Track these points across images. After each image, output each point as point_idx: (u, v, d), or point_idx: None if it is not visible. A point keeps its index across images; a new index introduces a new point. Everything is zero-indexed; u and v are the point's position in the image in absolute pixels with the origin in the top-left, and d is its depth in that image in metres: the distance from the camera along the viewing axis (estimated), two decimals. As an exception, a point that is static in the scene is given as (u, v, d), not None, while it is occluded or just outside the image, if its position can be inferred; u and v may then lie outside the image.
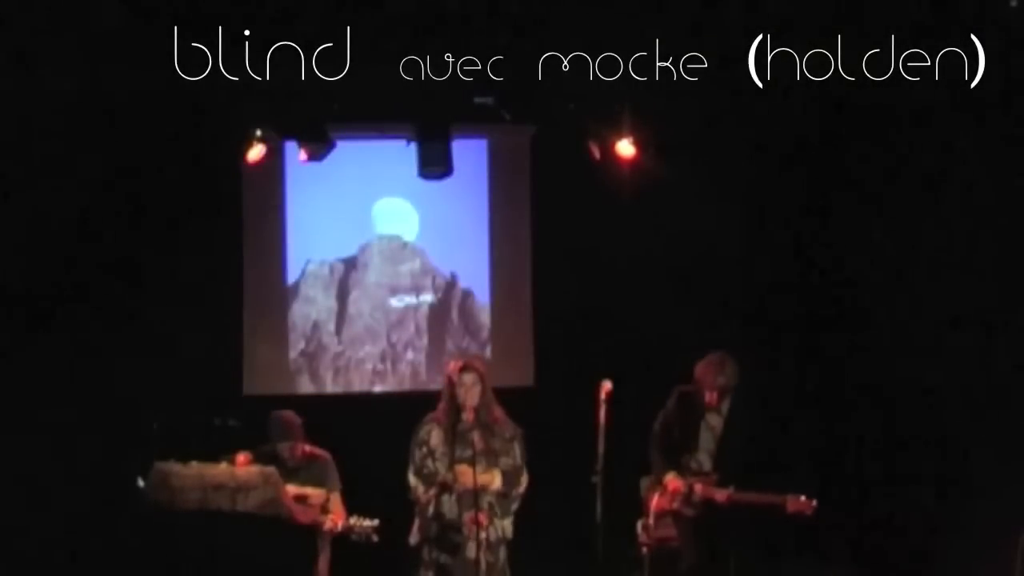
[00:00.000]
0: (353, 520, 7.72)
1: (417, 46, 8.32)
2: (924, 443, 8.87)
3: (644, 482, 8.07)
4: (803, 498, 7.57)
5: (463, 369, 7.63)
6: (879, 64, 8.47)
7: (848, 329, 9.45)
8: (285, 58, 8.35)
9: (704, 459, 7.83)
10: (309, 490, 7.73)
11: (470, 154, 9.70)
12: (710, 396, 7.76)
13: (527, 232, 9.93)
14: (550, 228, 9.81)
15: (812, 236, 9.56)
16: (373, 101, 8.88)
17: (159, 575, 7.20)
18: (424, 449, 7.62)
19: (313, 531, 7.65)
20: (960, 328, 8.63)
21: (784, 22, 8.29)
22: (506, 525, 7.61)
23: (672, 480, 7.75)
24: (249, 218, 9.83)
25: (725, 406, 7.82)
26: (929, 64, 8.27)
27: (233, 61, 8.41)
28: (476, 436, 7.45)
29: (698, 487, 7.68)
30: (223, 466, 7.48)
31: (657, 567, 7.72)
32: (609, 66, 8.50)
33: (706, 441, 7.83)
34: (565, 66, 8.52)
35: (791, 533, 8.97)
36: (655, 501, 7.80)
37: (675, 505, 7.72)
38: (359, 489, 8.00)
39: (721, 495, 7.63)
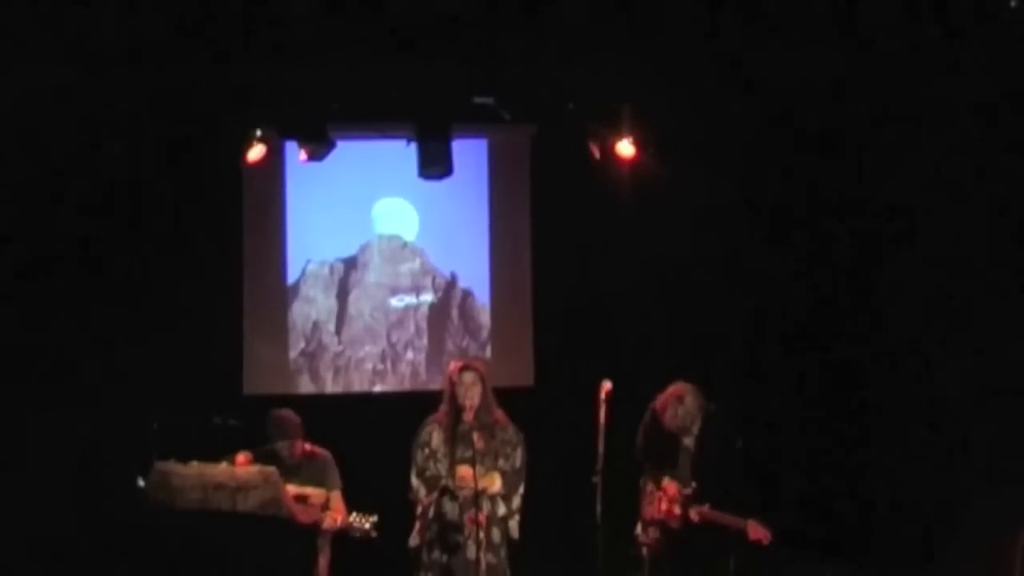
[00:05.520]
0: (353, 517, 7.72)
1: (417, 46, 8.32)
2: (924, 443, 8.87)
3: (644, 482, 8.07)
4: (761, 526, 7.55)
5: (463, 369, 7.66)
6: (879, 64, 8.49)
7: (848, 328, 9.46)
8: (285, 58, 8.36)
9: (684, 472, 7.82)
10: (309, 490, 7.73)
11: (470, 154, 9.71)
12: (673, 424, 7.78)
13: (527, 232, 9.93)
14: (550, 228, 9.81)
15: (812, 236, 9.55)
16: (373, 101, 8.89)
17: (159, 575, 7.20)
18: (426, 451, 7.64)
19: (313, 531, 7.65)
20: (959, 327, 8.63)
21: (784, 22, 8.30)
22: (512, 526, 7.62)
23: (669, 485, 7.75)
24: (249, 218, 9.83)
25: (696, 427, 7.82)
26: (929, 64, 8.29)
27: (233, 61, 8.42)
28: (476, 436, 7.46)
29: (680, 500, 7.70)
30: (223, 466, 7.48)
31: (657, 567, 7.71)
32: (609, 66, 8.51)
33: (683, 460, 7.83)
34: (565, 66, 8.54)
35: (789, 532, 9.01)
36: (646, 508, 7.80)
37: (663, 515, 7.71)
38: (359, 489, 8.00)
39: (694, 513, 7.64)
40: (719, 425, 7.79)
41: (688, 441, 7.83)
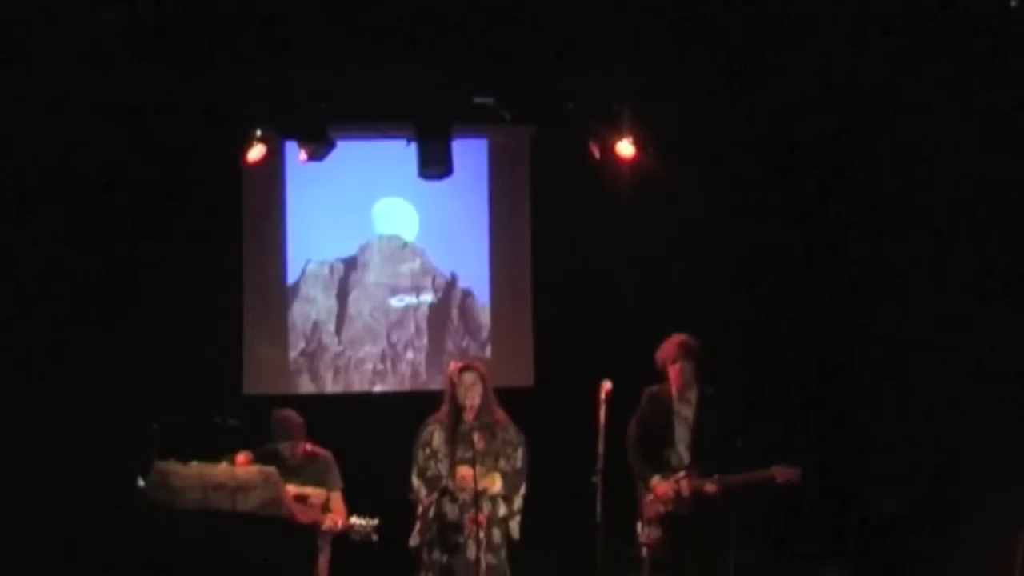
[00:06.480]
0: (353, 519, 7.72)
1: (417, 46, 8.32)
2: (924, 443, 8.87)
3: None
4: (787, 468, 7.57)
5: (463, 369, 7.67)
6: (879, 65, 8.49)
7: (848, 327, 9.45)
8: (285, 58, 8.36)
9: (683, 452, 7.84)
10: (309, 490, 7.73)
11: (470, 154, 9.70)
12: (674, 369, 7.76)
13: (527, 232, 9.93)
14: (550, 228, 9.81)
15: (812, 236, 9.55)
16: (373, 101, 8.89)
17: (159, 575, 7.20)
18: (427, 451, 7.64)
19: (313, 531, 7.64)
20: (960, 326, 8.63)
21: (785, 23, 8.30)
22: (512, 527, 7.63)
23: (658, 485, 7.77)
24: (249, 218, 9.83)
25: (693, 394, 7.84)
26: (929, 63, 8.29)
27: (233, 61, 8.42)
28: (477, 437, 7.46)
29: (684, 484, 7.69)
30: (223, 466, 7.48)
31: (657, 567, 7.71)
32: (609, 66, 8.51)
33: (681, 433, 7.86)
34: (565, 66, 8.54)
35: (789, 532, 9.01)
36: (646, 507, 7.80)
37: (666, 508, 7.72)
38: (359, 489, 8.00)
39: (710, 486, 7.65)
40: (719, 409, 7.80)
41: (686, 412, 7.85)
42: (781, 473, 7.59)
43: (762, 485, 7.61)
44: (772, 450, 8.18)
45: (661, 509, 7.75)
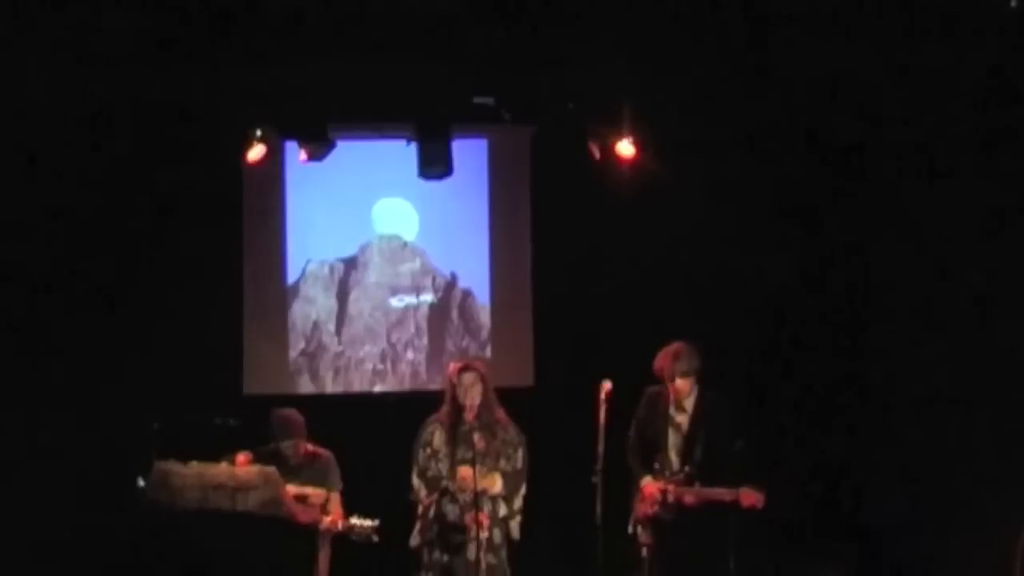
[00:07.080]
0: (353, 520, 7.71)
1: (417, 46, 8.32)
2: (923, 443, 8.86)
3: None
4: (754, 491, 7.52)
5: (463, 369, 7.67)
6: (878, 64, 8.49)
7: (847, 328, 9.45)
8: (285, 58, 8.36)
9: (674, 458, 7.82)
10: (309, 490, 7.73)
11: (470, 154, 9.70)
12: (672, 386, 7.78)
13: (527, 232, 9.93)
14: (550, 228, 9.81)
15: (812, 236, 9.56)
16: (373, 101, 8.89)
17: (159, 575, 7.20)
18: (428, 450, 7.65)
19: (313, 531, 7.64)
20: (959, 326, 8.63)
21: (784, 21, 8.30)
22: (512, 527, 7.62)
23: (648, 485, 7.76)
24: (249, 218, 9.83)
25: (691, 402, 7.83)
26: (928, 63, 8.29)
27: (233, 61, 8.42)
28: (477, 437, 7.46)
29: (670, 489, 7.69)
30: (223, 466, 7.48)
31: (657, 567, 7.71)
32: (609, 65, 8.51)
33: (674, 439, 7.84)
34: (565, 66, 8.54)
35: (789, 532, 9.01)
36: (636, 508, 7.80)
37: (654, 511, 7.72)
38: (359, 489, 8.00)
39: (689, 497, 7.63)
40: (718, 412, 7.79)
41: (681, 418, 7.83)
42: (747, 496, 7.51)
43: (730, 505, 7.57)
44: (773, 448, 8.21)
45: (649, 510, 7.73)
